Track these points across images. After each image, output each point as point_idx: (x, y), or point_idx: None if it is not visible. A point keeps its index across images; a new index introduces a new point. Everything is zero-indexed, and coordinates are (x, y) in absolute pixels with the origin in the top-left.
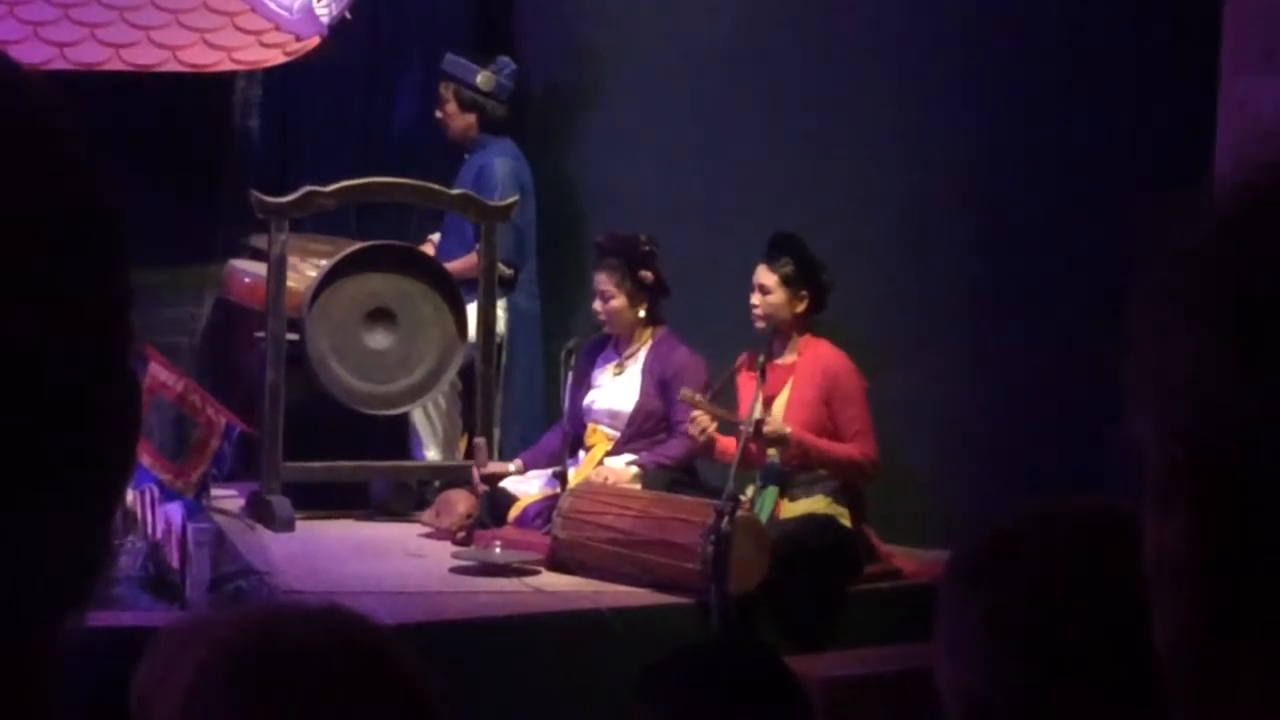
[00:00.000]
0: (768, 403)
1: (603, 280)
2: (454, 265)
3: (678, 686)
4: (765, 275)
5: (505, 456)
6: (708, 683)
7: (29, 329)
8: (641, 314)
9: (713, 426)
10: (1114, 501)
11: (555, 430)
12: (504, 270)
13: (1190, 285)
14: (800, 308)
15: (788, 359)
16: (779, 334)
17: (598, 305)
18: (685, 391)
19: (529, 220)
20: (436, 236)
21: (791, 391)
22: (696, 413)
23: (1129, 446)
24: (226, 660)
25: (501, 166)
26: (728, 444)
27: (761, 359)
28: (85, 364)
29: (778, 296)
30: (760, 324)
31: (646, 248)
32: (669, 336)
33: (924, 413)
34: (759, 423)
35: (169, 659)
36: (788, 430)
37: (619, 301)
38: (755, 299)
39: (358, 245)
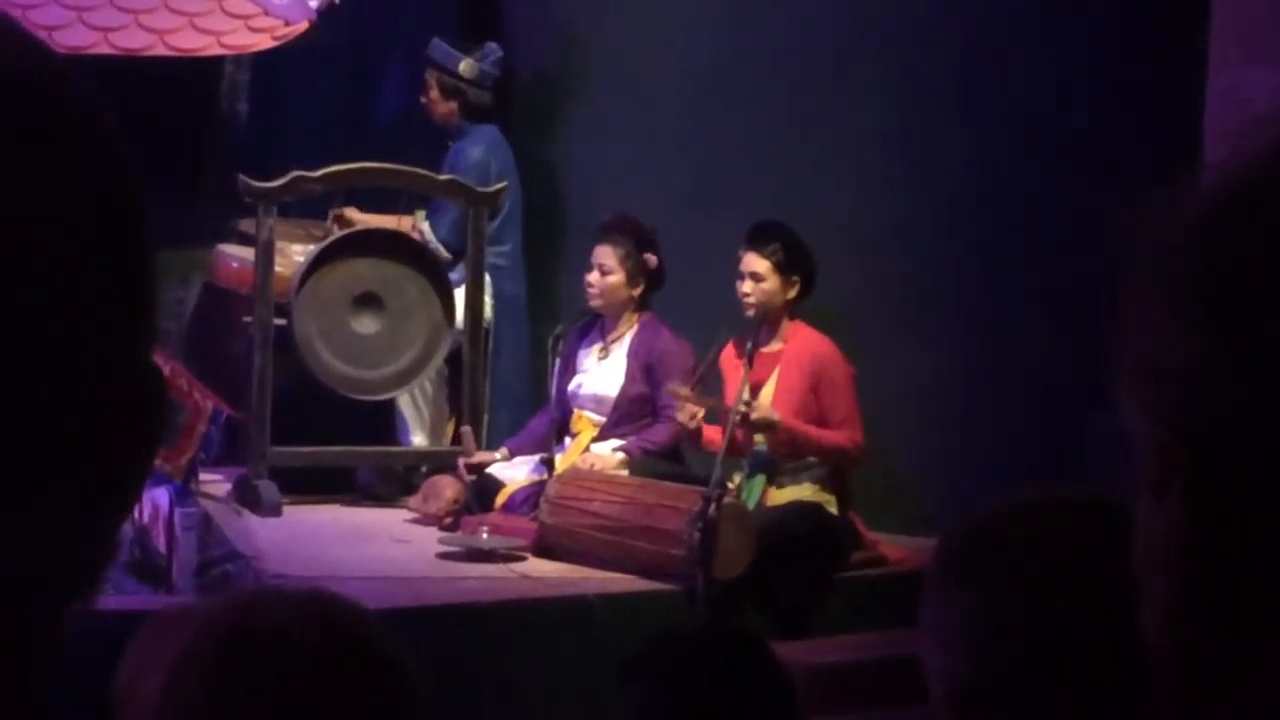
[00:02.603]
0: (755, 390)
1: (605, 254)
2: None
3: (660, 671)
4: (756, 262)
5: (492, 442)
6: (690, 668)
7: (55, 321)
8: (635, 295)
9: (701, 414)
10: (1102, 490)
11: (541, 416)
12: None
13: (1179, 273)
14: (792, 293)
15: (774, 346)
16: (766, 322)
17: (593, 277)
18: (673, 386)
19: (513, 206)
20: (422, 214)
21: (779, 378)
22: (684, 406)
23: (1117, 434)
24: (210, 643)
25: (472, 155)
26: (714, 433)
27: (749, 346)
28: (108, 358)
29: (771, 283)
30: (751, 312)
31: (653, 235)
32: (653, 321)
33: (910, 400)
34: (746, 409)
35: (153, 643)
36: (776, 416)
37: (617, 277)
38: (747, 287)
39: (345, 230)
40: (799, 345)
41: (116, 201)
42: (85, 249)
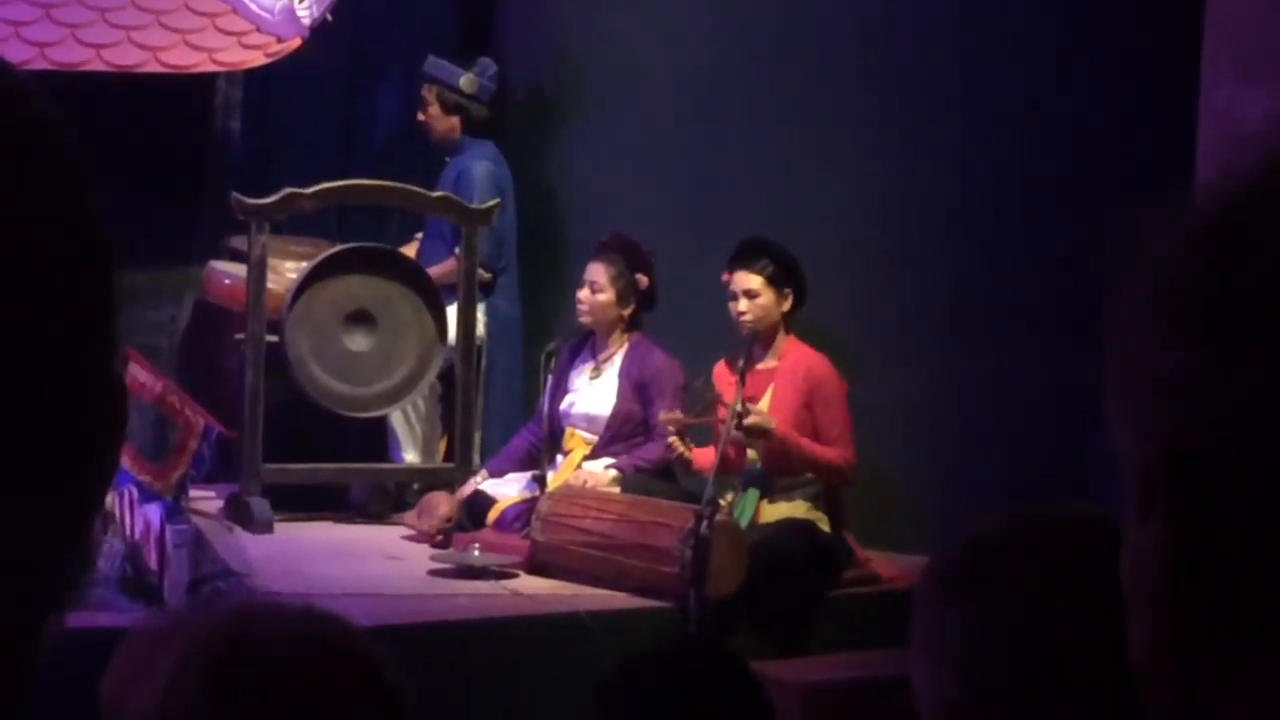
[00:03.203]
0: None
1: (598, 271)
2: (433, 270)
3: (641, 696)
4: (749, 280)
5: (484, 459)
6: (669, 690)
7: (17, 330)
8: (625, 315)
9: (689, 452)
10: (1096, 508)
11: (522, 434)
12: (482, 274)
13: (1167, 292)
14: (786, 305)
15: (769, 363)
16: (760, 339)
17: (584, 294)
18: (664, 415)
19: (508, 224)
20: (420, 235)
21: (773, 394)
22: (673, 437)
23: (1110, 453)
24: (202, 660)
25: (480, 170)
26: (705, 456)
27: (741, 364)
28: (72, 367)
29: (766, 298)
30: (748, 330)
31: (649, 257)
32: (644, 340)
33: (903, 418)
34: (740, 414)
35: (142, 658)
36: (772, 422)
37: (607, 296)
38: (742, 306)
39: (338, 247)
40: (794, 362)
41: (76, 215)
42: (50, 258)
